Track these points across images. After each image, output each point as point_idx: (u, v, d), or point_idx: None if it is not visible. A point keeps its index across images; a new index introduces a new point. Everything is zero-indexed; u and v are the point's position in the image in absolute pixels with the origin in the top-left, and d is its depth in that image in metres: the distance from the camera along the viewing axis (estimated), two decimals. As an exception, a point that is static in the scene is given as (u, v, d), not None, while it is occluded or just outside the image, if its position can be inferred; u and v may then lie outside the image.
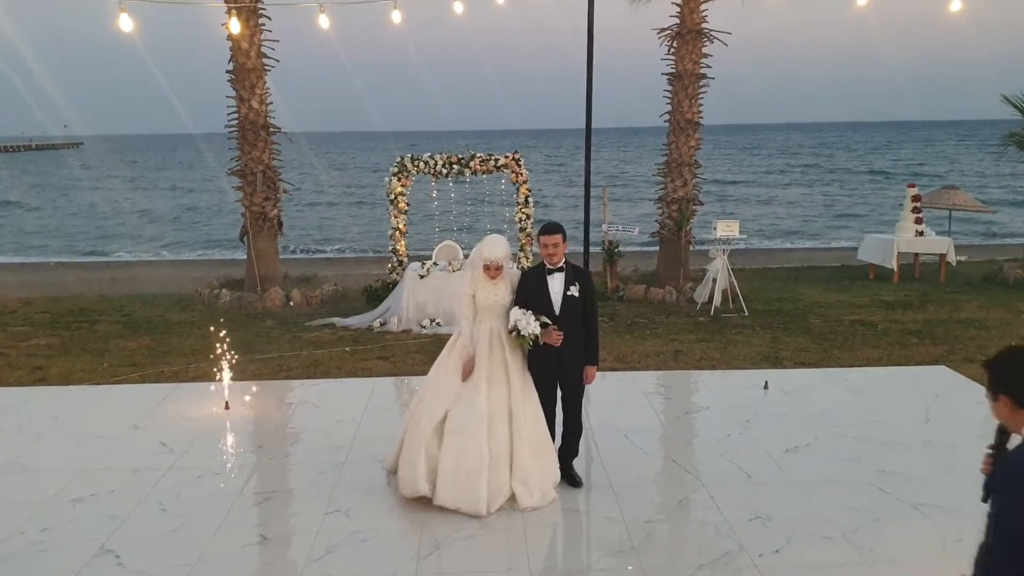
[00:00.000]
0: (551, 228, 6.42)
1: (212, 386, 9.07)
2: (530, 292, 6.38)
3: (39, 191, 58.63)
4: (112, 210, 45.95)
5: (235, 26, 13.19)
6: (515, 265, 13.64)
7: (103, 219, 41.90)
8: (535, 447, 6.28)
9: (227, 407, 8.58)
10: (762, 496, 6.46)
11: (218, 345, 8.96)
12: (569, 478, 6.67)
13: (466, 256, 12.28)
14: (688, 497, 6.50)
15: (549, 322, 6.23)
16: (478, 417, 6.14)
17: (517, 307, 6.24)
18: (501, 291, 6.35)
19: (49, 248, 31.42)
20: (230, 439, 7.85)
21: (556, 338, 6.28)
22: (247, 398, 8.99)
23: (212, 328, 9.48)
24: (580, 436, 6.76)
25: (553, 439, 6.54)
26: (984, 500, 3.19)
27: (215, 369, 8.91)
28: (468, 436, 6.12)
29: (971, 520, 6.16)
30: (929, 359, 10.64)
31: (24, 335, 12.54)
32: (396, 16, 12.14)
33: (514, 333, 6.18)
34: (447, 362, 6.42)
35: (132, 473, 6.97)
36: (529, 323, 6.15)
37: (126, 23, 10.29)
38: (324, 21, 12.41)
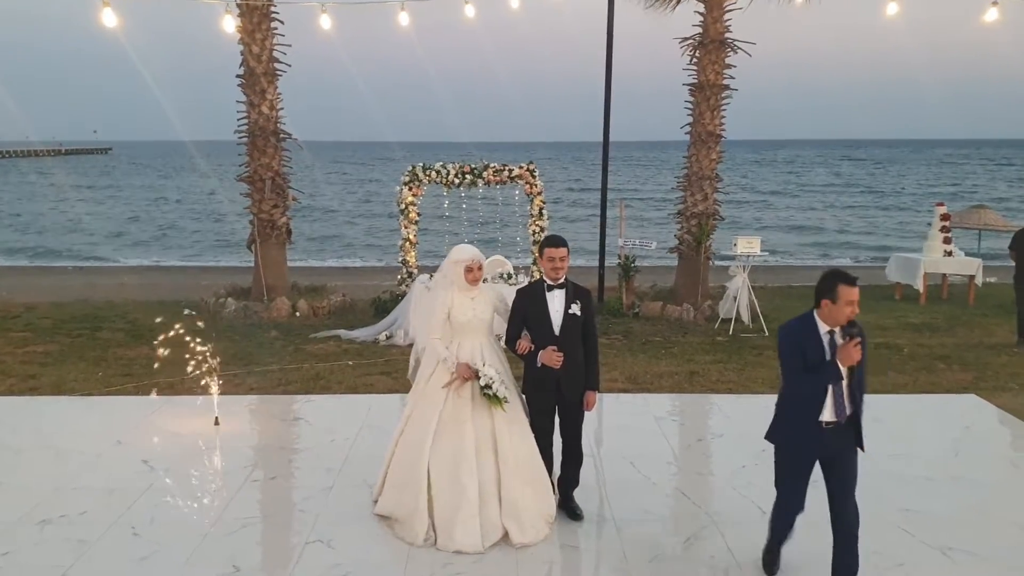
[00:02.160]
0: (558, 241, 6.00)
1: (204, 400, 8.69)
2: (528, 310, 5.97)
3: (63, 193, 58.92)
4: (133, 214, 46.07)
5: (230, 24, 12.83)
6: (527, 278, 13.26)
7: (126, 223, 41.95)
8: (525, 478, 5.84)
9: (217, 423, 8.21)
10: (776, 535, 5.98)
11: (217, 357, 8.59)
12: (569, 510, 6.24)
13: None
14: (697, 535, 6.03)
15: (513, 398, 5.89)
16: (464, 452, 5.71)
17: (489, 365, 5.81)
18: (480, 306, 5.95)
19: (65, 253, 31.31)
20: (215, 458, 7.46)
21: (556, 360, 5.85)
22: (239, 414, 8.62)
23: (214, 338, 9.13)
24: (580, 465, 6.31)
25: (551, 469, 6.11)
26: None
27: (209, 382, 8.52)
28: (458, 477, 5.69)
29: (1005, 568, 5.74)
30: (958, 386, 10.11)
31: (23, 341, 12.25)
32: (404, 18, 11.78)
33: (486, 391, 5.73)
34: (426, 392, 5.98)
35: (108, 494, 6.60)
36: (504, 385, 5.77)
37: (109, 18, 9.96)
38: (325, 22, 12.05)
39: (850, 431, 4.97)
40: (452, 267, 5.95)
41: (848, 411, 4.90)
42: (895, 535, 5.99)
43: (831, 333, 4.84)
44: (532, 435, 5.95)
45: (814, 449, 4.98)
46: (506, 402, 5.76)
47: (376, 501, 6.23)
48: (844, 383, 4.84)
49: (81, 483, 6.84)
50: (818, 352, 4.82)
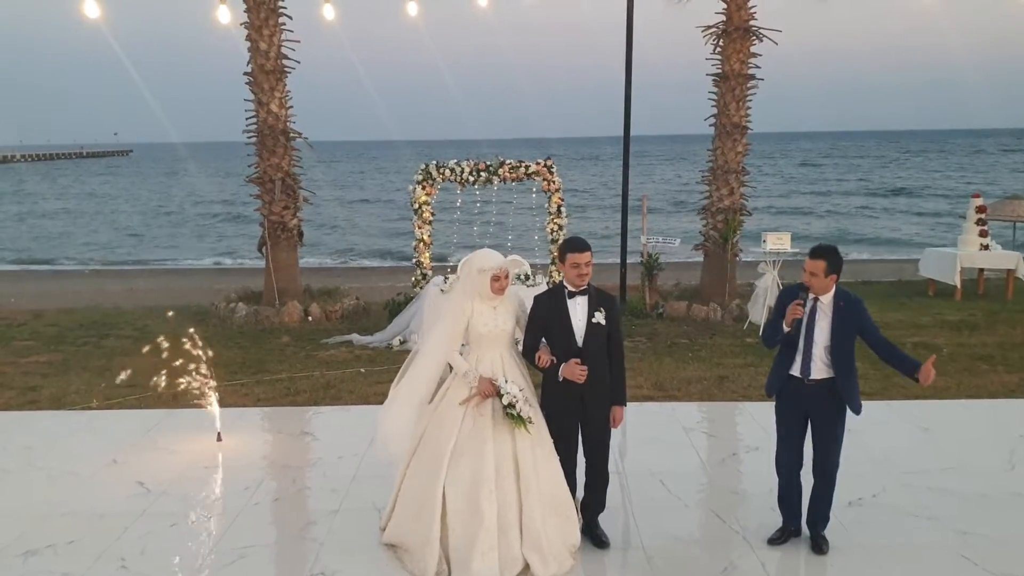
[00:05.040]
0: (583, 244, 5.48)
1: (207, 414, 8.20)
2: (548, 319, 5.45)
3: (81, 199, 59.00)
4: (150, 215, 45.94)
5: (224, 15, 12.34)
6: (548, 280, 12.74)
7: (144, 225, 41.80)
8: (549, 506, 5.31)
9: (219, 439, 7.75)
10: (821, 565, 5.47)
11: (223, 367, 8.15)
12: (594, 536, 5.72)
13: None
14: (734, 563, 5.50)
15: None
16: (484, 476, 5.18)
17: (512, 382, 5.28)
18: (502, 315, 5.42)
19: (81, 256, 31.09)
20: (215, 478, 6.99)
21: (580, 374, 5.34)
22: (243, 428, 8.15)
23: (223, 345, 8.68)
24: (607, 487, 5.80)
25: (574, 491, 5.60)
26: None
27: (213, 395, 8.04)
28: (477, 504, 5.15)
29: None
30: (1004, 389, 9.52)
31: (26, 351, 11.88)
32: (412, 8, 11.28)
33: (510, 410, 5.21)
34: (441, 409, 5.47)
35: (99, 520, 6.15)
36: (529, 404, 5.25)
37: (92, 9, 9.52)
38: (329, 12, 11.57)
39: (831, 393, 5.41)
40: (477, 276, 5.37)
41: (823, 373, 5.38)
42: (955, 563, 5.44)
43: (815, 300, 5.37)
44: (556, 457, 5.42)
45: (794, 401, 5.49)
46: (530, 423, 5.25)
47: (384, 528, 5.71)
48: (822, 346, 5.35)
49: (71, 508, 6.39)
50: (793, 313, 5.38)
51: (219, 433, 7.79)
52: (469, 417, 5.34)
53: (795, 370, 5.42)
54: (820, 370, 5.36)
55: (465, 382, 5.36)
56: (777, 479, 5.74)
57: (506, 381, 5.27)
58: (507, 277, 5.40)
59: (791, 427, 5.56)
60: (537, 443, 5.33)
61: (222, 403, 8.21)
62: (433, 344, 5.58)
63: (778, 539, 5.73)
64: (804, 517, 5.74)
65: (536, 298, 5.59)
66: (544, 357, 5.37)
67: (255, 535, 5.95)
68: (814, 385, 5.38)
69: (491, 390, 5.26)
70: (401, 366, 5.80)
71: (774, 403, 5.68)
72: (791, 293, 5.46)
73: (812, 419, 5.49)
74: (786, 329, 5.36)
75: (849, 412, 5.49)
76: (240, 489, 6.72)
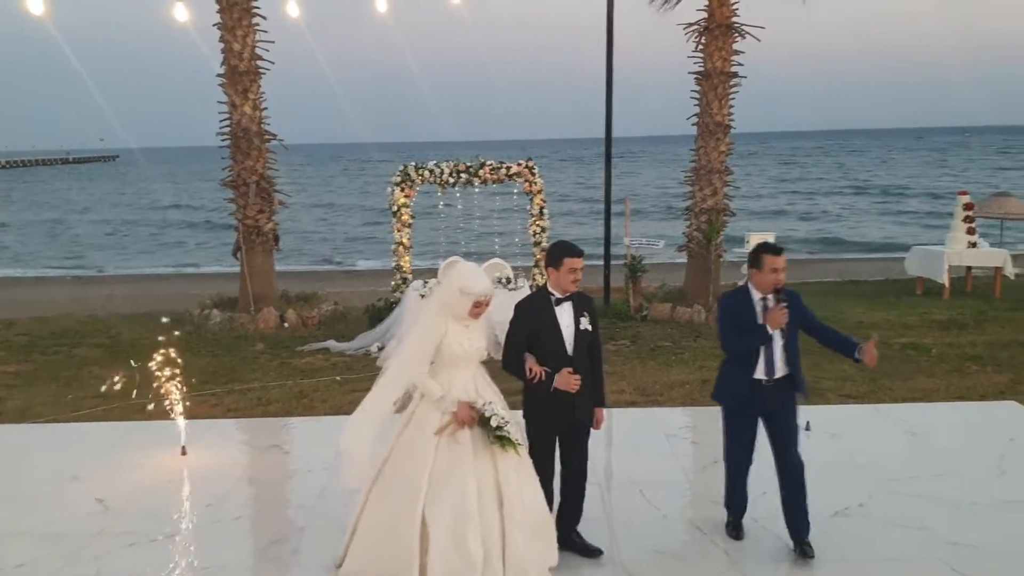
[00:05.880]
0: (578, 249, 5.23)
1: (174, 426, 7.89)
2: (534, 328, 5.15)
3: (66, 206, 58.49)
4: (132, 220, 45.49)
5: (182, 13, 12.04)
6: (531, 283, 12.50)
7: (126, 230, 41.39)
8: (532, 529, 4.95)
9: (184, 452, 7.47)
10: (807, 579, 5.23)
11: (194, 376, 7.87)
12: (582, 548, 5.47)
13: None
14: (715, 579, 5.27)
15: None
16: (467, 509, 4.78)
17: (492, 403, 4.92)
18: (475, 334, 5.06)
19: (64, 263, 30.68)
20: (177, 495, 6.71)
21: (575, 384, 5.09)
22: (210, 441, 7.85)
23: (196, 354, 8.40)
24: (584, 496, 5.55)
25: (551, 503, 5.31)
26: None
27: (180, 406, 7.74)
28: (463, 538, 4.76)
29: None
30: (994, 391, 9.33)
31: (-5, 361, 11.57)
32: (381, 3, 11.02)
33: (499, 432, 4.84)
34: (407, 436, 5.05)
35: (52, 540, 5.86)
36: (512, 424, 4.91)
37: (35, 6, 9.22)
38: (293, 9, 11.30)
39: (788, 388, 5.45)
40: (458, 298, 4.96)
41: (783, 371, 5.39)
42: (945, 576, 5.21)
43: (764, 300, 5.35)
44: (537, 477, 5.08)
45: (753, 404, 5.46)
46: (520, 445, 4.93)
47: (340, 565, 5.18)
48: (780, 345, 5.35)
49: (26, 527, 6.10)
50: (751, 317, 5.36)
51: (183, 447, 7.50)
52: (444, 447, 4.91)
53: (759, 373, 5.38)
54: (780, 368, 5.39)
55: (437, 408, 4.95)
56: (727, 480, 5.78)
57: (487, 403, 4.92)
58: (488, 304, 5.04)
59: (746, 429, 5.57)
60: (520, 467, 4.98)
61: (191, 414, 7.93)
62: (399, 365, 5.14)
63: (738, 530, 5.80)
64: (788, 531, 5.58)
65: (519, 306, 5.29)
66: (537, 369, 5.08)
67: (215, 555, 5.67)
68: (775, 384, 5.39)
69: (471, 416, 4.87)
70: (377, 373, 5.44)
71: (722, 408, 5.68)
72: (740, 298, 5.44)
73: (770, 418, 5.50)
74: (771, 331, 5.28)
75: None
76: (203, 506, 6.45)
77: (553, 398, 5.14)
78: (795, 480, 5.46)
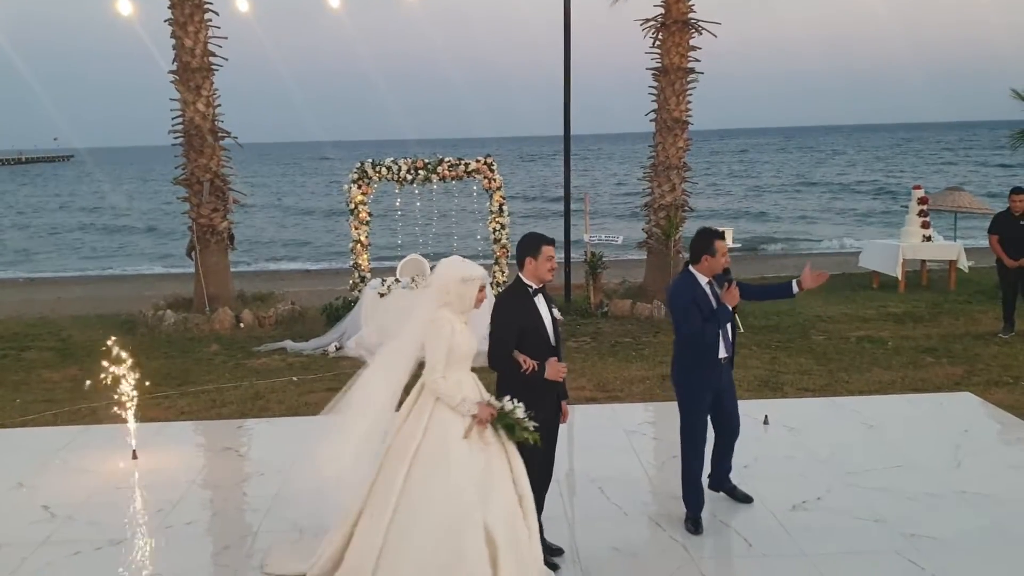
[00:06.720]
0: (550, 239, 5.17)
1: (124, 430, 7.68)
2: (520, 320, 5.04)
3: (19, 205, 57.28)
4: (88, 222, 44.66)
5: (126, 7, 11.79)
6: (491, 281, 12.42)
7: (79, 231, 40.62)
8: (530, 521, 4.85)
9: (135, 456, 7.29)
10: (766, 573, 5.21)
11: (146, 379, 7.67)
12: (545, 547, 5.39)
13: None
14: (673, 574, 5.22)
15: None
16: (514, 508, 4.74)
17: (511, 399, 4.79)
18: (471, 331, 4.91)
19: (15, 264, 30.02)
20: (127, 500, 6.53)
21: (562, 372, 5.10)
22: (162, 444, 7.67)
23: (148, 355, 8.18)
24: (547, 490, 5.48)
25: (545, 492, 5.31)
26: None
27: (131, 409, 7.53)
28: (516, 536, 4.68)
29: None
30: (949, 382, 9.42)
31: (-61, 366, 11.24)
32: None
33: (524, 422, 4.72)
34: (437, 444, 4.73)
35: (-6, 550, 5.69)
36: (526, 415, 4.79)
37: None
38: (243, 4, 11.11)
39: (730, 364, 5.86)
40: (461, 287, 4.77)
41: (730, 348, 5.76)
42: (903, 569, 5.20)
43: (710, 284, 5.63)
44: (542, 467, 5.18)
45: (713, 383, 5.73)
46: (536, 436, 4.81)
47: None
48: (728, 324, 5.71)
49: (-33, 537, 5.91)
50: (706, 302, 5.58)
51: (134, 451, 7.32)
52: (477, 450, 4.73)
53: (722, 352, 5.67)
54: (730, 345, 5.75)
55: (457, 412, 4.71)
56: (692, 463, 5.82)
57: (506, 399, 4.79)
58: (483, 290, 4.91)
59: (703, 407, 5.77)
60: (514, 452, 4.85)
61: (143, 417, 7.76)
62: (390, 376, 4.87)
63: (697, 525, 5.81)
64: (711, 482, 6.14)
65: (501, 298, 5.20)
66: (530, 361, 4.97)
67: (165, 562, 5.53)
68: (726, 360, 5.75)
69: (491, 415, 4.74)
70: (336, 373, 5.24)
71: (682, 390, 5.80)
72: (692, 285, 5.64)
73: (722, 392, 5.82)
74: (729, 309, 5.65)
75: None
76: (153, 511, 6.28)
77: (541, 389, 5.04)
78: (732, 438, 6.00)
